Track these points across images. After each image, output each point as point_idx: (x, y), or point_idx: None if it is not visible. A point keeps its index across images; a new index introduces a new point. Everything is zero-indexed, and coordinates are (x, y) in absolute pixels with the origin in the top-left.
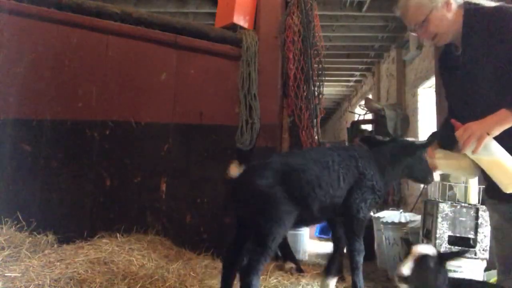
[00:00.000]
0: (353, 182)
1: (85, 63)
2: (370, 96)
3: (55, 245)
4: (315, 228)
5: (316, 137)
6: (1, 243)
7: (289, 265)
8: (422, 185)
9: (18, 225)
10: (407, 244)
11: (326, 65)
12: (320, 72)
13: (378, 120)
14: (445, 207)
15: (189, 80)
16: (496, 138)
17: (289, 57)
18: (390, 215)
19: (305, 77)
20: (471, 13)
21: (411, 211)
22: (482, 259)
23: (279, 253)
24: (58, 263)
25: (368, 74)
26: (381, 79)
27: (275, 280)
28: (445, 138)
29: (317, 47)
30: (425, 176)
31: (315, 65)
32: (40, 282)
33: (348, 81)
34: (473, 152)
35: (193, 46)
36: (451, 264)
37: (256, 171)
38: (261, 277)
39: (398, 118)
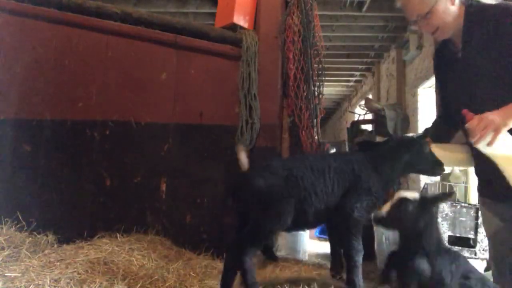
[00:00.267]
0: (348, 185)
1: (85, 63)
2: (370, 96)
3: (55, 245)
4: (315, 228)
5: (316, 137)
6: (1, 243)
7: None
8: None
9: (18, 225)
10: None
11: (326, 65)
12: (320, 72)
13: (378, 120)
14: (445, 207)
15: (189, 80)
16: None
17: (289, 57)
18: None
19: (305, 77)
20: (472, 9)
21: None
22: (482, 259)
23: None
24: (58, 263)
25: (368, 74)
26: (381, 79)
27: (275, 281)
28: (437, 135)
29: (317, 47)
30: (432, 167)
31: (315, 65)
32: (40, 282)
33: (348, 81)
34: (489, 144)
35: (193, 46)
36: None
37: (257, 171)
38: (261, 277)
39: (398, 118)
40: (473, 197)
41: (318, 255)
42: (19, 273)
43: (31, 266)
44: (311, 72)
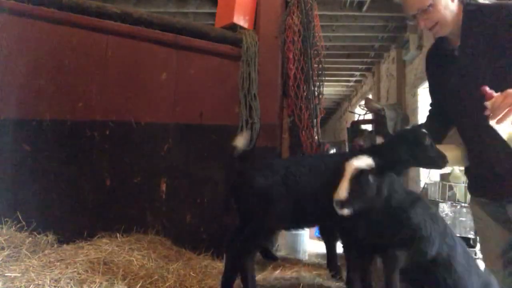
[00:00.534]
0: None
1: (85, 63)
2: (370, 96)
3: (55, 245)
4: (315, 228)
5: (316, 137)
6: (1, 243)
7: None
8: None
9: (18, 225)
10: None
11: (326, 65)
12: (320, 72)
13: (378, 120)
14: (445, 207)
15: (189, 80)
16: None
17: (289, 57)
18: None
19: (305, 77)
20: (470, 7)
21: None
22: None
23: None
24: (58, 263)
25: (368, 74)
26: (381, 79)
27: (276, 281)
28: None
29: (317, 47)
30: (434, 160)
31: (315, 65)
32: (40, 282)
33: (348, 81)
34: None
35: (193, 46)
36: None
37: (257, 170)
38: (261, 278)
39: (398, 118)
40: None
41: (318, 255)
42: (19, 273)
43: (31, 266)
44: (311, 72)
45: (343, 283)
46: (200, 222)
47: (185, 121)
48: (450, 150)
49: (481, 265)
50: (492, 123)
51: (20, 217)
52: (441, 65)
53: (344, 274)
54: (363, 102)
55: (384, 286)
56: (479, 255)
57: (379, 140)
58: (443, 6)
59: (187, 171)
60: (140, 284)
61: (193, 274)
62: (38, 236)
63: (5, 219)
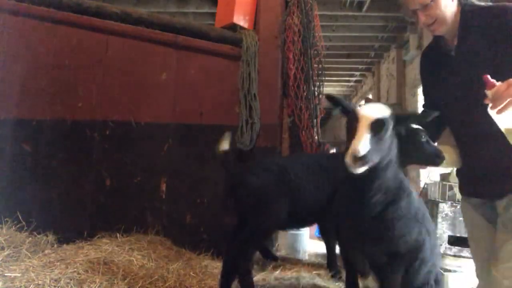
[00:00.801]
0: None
1: (85, 63)
2: (370, 96)
3: (55, 245)
4: (315, 228)
5: (316, 137)
6: (1, 243)
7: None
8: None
9: (18, 225)
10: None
11: (326, 65)
12: (320, 72)
13: None
14: (445, 207)
15: (189, 80)
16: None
17: (289, 57)
18: None
19: (305, 77)
20: (468, 8)
21: None
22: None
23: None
24: (58, 263)
25: (368, 74)
26: (381, 79)
27: (276, 281)
28: None
29: (317, 47)
30: (430, 156)
31: (315, 65)
32: (40, 282)
33: (348, 81)
34: None
35: (193, 46)
36: (451, 264)
37: (252, 170)
38: (261, 277)
39: None
40: None
41: (318, 255)
42: (19, 273)
43: (31, 266)
44: (311, 72)
45: (343, 283)
46: (200, 222)
47: (185, 121)
48: (444, 151)
49: (472, 267)
50: (492, 113)
51: (20, 217)
52: (437, 66)
53: (344, 274)
54: (363, 102)
55: None
56: None
57: None
58: (444, 4)
59: (187, 171)
60: (140, 284)
61: (193, 274)
62: (38, 236)
63: (5, 219)
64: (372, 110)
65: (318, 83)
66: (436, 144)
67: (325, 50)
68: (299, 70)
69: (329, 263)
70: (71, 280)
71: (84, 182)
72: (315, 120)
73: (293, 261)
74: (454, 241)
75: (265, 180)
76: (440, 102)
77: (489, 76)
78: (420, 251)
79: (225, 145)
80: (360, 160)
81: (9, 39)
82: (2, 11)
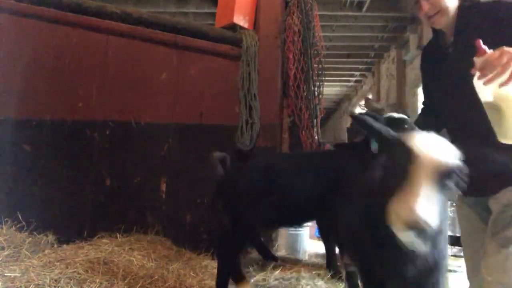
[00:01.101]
0: (333, 185)
1: (85, 63)
2: (370, 96)
3: (55, 245)
4: (315, 228)
5: (316, 137)
6: (1, 243)
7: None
8: None
9: (18, 225)
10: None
11: (326, 65)
12: (320, 72)
13: None
14: None
15: (189, 80)
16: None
17: (289, 57)
18: None
19: (305, 77)
20: (467, 3)
21: None
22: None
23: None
24: (58, 263)
25: (368, 74)
26: (381, 79)
27: (275, 282)
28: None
29: (317, 47)
30: None
31: (315, 65)
32: (40, 282)
33: (348, 81)
34: (503, 84)
35: (193, 46)
36: (451, 264)
37: (237, 171)
38: (261, 277)
39: None
40: None
41: (318, 255)
42: (19, 273)
43: (31, 266)
44: (311, 72)
45: (343, 283)
46: (200, 222)
47: (185, 121)
48: None
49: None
50: (477, 84)
51: (20, 217)
52: (435, 61)
53: (344, 274)
54: (363, 102)
55: None
56: None
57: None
58: None
59: (187, 171)
60: (140, 284)
61: (193, 274)
62: (38, 236)
63: (5, 219)
64: (437, 148)
65: (318, 83)
66: None
67: (325, 50)
68: (299, 70)
69: (329, 263)
70: (71, 280)
71: (84, 182)
72: (315, 120)
73: (293, 261)
74: (454, 241)
75: (247, 181)
76: (437, 99)
77: (481, 42)
78: None
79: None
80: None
81: (9, 39)
82: (2, 11)
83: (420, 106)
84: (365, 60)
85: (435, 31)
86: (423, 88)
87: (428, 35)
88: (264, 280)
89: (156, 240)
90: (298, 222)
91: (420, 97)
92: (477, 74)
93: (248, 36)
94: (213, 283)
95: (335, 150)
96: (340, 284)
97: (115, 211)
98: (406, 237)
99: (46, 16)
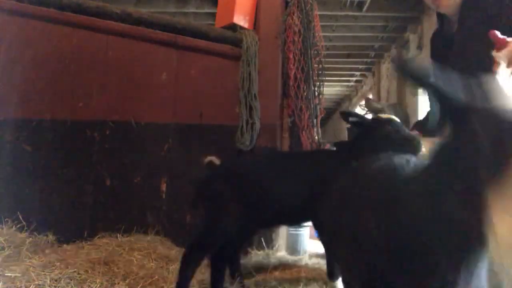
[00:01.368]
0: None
1: (85, 63)
2: (370, 96)
3: (55, 245)
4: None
5: (316, 137)
6: (1, 243)
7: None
8: None
9: (18, 225)
10: None
11: (326, 65)
12: (320, 72)
13: None
14: None
15: (189, 80)
16: None
17: (289, 57)
18: None
19: (305, 77)
20: None
21: None
22: None
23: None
24: (58, 263)
25: (368, 74)
26: (381, 79)
27: (275, 282)
28: (430, 128)
29: (317, 47)
30: (405, 143)
31: (315, 65)
32: (40, 282)
33: (348, 81)
34: None
35: (193, 46)
36: None
37: (213, 173)
38: (261, 278)
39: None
40: None
41: (318, 255)
42: (19, 273)
43: (31, 266)
44: (311, 72)
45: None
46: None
47: (185, 121)
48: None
49: None
50: (504, 76)
51: (20, 217)
52: (441, 50)
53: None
54: (363, 102)
55: None
56: None
57: None
58: None
59: (187, 171)
60: (140, 284)
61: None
62: (38, 236)
63: (5, 219)
64: None
65: (318, 83)
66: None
67: (325, 50)
68: (299, 70)
69: (329, 263)
70: (71, 280)
71: (84, 182)
72: (315, 120)
73: (293, 262)
74: None
75: (221, 183)
76: None
77: (497, 32)
78: None
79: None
80: None
81: (9, 39)
82: (2, 11)
83: (420, 106)
84: (365, 60)
85: (440, 17)
86: None
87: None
88: (264, 280)
89: (156, 240)
90: (276, 224)
91: (421, 97)
92: (503, 70)
93: (248, 36)
94: None
95: (315, 150)
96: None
97: (115, 211)
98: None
99: (46, 16)
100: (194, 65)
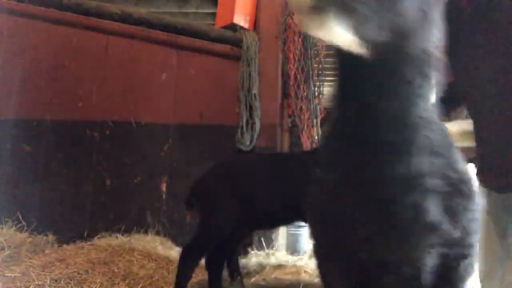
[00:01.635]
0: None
1: (85, 63)
2: None
3: (55, 245)
4: None
5: (316, 137)
6: (1, 243)
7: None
8: None
9: (18, 225)
10: None
11: (326, 65)
12: (320, 72)
13: None
14: None
15: (189, 80)
16: None
17: (289, 57)
18: None
19: (305, 77)
20: None
21: None
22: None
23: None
24: (58, 263)
25: None
26: None
27: (276, 281)
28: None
29: (317, 47)
30: None
31: (315, 65)
32: (40, 282)
33: None
34: None
35: (193, 46)
36: None
37: (208, 171)
38: (261, 278)
39: None
40: None
41: None
42: (19, 273)
43: (31, 266)
44: (311, 72)
45: None
46: None
47: (185, 121)
48: (458, 126)
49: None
50: None
51: (20, 217)
52: (451, 29)
53: None
54: None
55: None
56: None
57: None
58: None
59: (187, 171)
60: (140, 284)
61: (193, 274)
62: (38, 236)
63: (5, 219)
64: None
65: (318, 83)
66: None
67: (325, 50)
68: (299, 70)
69: None
70: (71, 280)
71: (84, 182)
72: (315, 120)
73: (293, 261)
74: None
75: (216, 183)
76: (456, 73)
77: None
78: None
79: None
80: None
81: (9, 39)
82: (2, 11)
83: None
84: None
85: None
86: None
87: None
88: (264, 280)
89: (156, 240)
90: (270, 226)
91: None
92: None
93: (248, 36)
94: None
95: (311, 150)
96: None
97: (115, 211)
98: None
99: (46, 16)
100: (194, 65)
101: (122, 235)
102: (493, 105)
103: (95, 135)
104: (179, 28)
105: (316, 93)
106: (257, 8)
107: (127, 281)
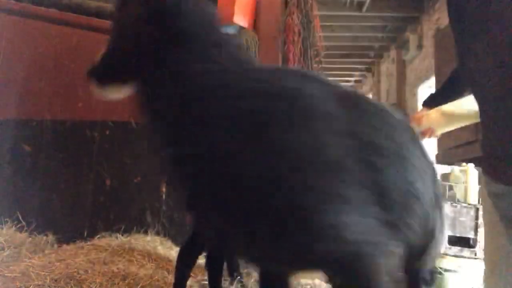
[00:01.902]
0: None
1: (85, 63)
2: (370, 96)
3: (55, 245)
4: None
5: None
6: (1, 243)
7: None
8: None
9: (18, 225)
10: None
11: (326, 65)
12: (320, 72)
13: None
14: (445, 207)
15: None
16: None
17: (289, 57)
18: None
19: None
20: None
21: None
22: (482, 259)
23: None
24: (58, 263)
25: (368, 74)
26: (381, 79)
27: None
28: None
29: (317, 47)
30: None
31: (315, 65)
32: (40, 282)
33: (348, 81)
34: None
35: None
36: (451, 264)
37: None
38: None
39: None
40: (473, 197)
41: None
42: (19, 273)
43: (31, 266)
44: None
45: None
46: None
47: None
48: (462, 107)
49: (481, 266)
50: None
51: (20, 217)
52: (458, 9)
53: None
54: None
55: None
56: (479, 255)
57: None
58: None
59: None
60: (140, 284)
61: (193, 274)
62: (38, 236)
63: (5, 219)
64: None
65: None
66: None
67: (325, 50)
68: None
69: None
70: (71, 280)
71: (84, 182)
72: None
73: None
74: (454, 241)
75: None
76: (463, 58)
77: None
78: None
79: None
80: None
81: (9, 39)
82: (2, 11)
83: (420, 106)
84: (365, 60)
85: None
86: (456, 48)
87: (428, 35)
88: None
89: (156, 240)
90: None
91: (420, 97)
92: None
93: (248, 36)
94: None
95: None
96: None
97: (115, 211)
98: None
99: (46, 16)
100: None
101: (122, 235)
102: (497, 95)
103: (95, 135)
104: None
105: None
106: (257, 8)
107: (127, 281)
